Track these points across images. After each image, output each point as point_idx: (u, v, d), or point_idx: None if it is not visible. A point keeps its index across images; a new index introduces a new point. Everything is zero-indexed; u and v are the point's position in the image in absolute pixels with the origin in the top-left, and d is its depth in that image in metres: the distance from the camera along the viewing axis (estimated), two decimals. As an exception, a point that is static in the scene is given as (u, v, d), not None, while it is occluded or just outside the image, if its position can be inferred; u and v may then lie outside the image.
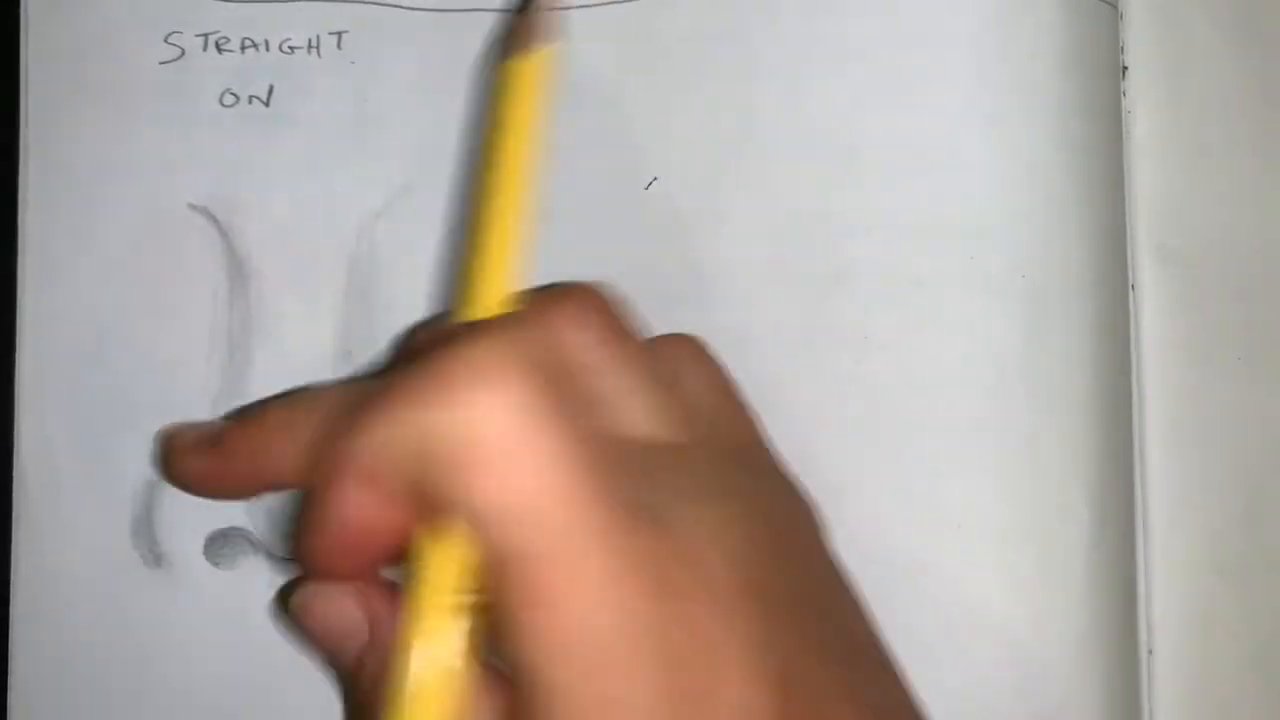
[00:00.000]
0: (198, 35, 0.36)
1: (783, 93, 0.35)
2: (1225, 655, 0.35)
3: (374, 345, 0.35)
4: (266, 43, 0.36)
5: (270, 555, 0.35)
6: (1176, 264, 0.36)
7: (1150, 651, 0.34)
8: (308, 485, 0.26)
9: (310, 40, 0.35)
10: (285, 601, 0.31)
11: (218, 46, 0.36)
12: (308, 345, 0.35)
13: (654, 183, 0.35)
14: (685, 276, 0.35)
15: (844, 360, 0.34)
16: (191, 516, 0.34)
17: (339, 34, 0.35)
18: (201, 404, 0.35)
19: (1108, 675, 0.34)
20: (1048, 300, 0.34)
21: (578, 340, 0.26)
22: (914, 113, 0.34)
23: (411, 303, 0.35)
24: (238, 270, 0.35)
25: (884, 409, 0.34)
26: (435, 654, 0.24)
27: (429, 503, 0.24)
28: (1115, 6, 0.36)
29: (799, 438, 0.33)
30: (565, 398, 0.24)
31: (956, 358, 0.34)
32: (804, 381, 0.34)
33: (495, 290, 0.28)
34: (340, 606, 0.27)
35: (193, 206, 0.35)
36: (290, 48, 0.35)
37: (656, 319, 0.34)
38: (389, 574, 0.28)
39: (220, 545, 0.35)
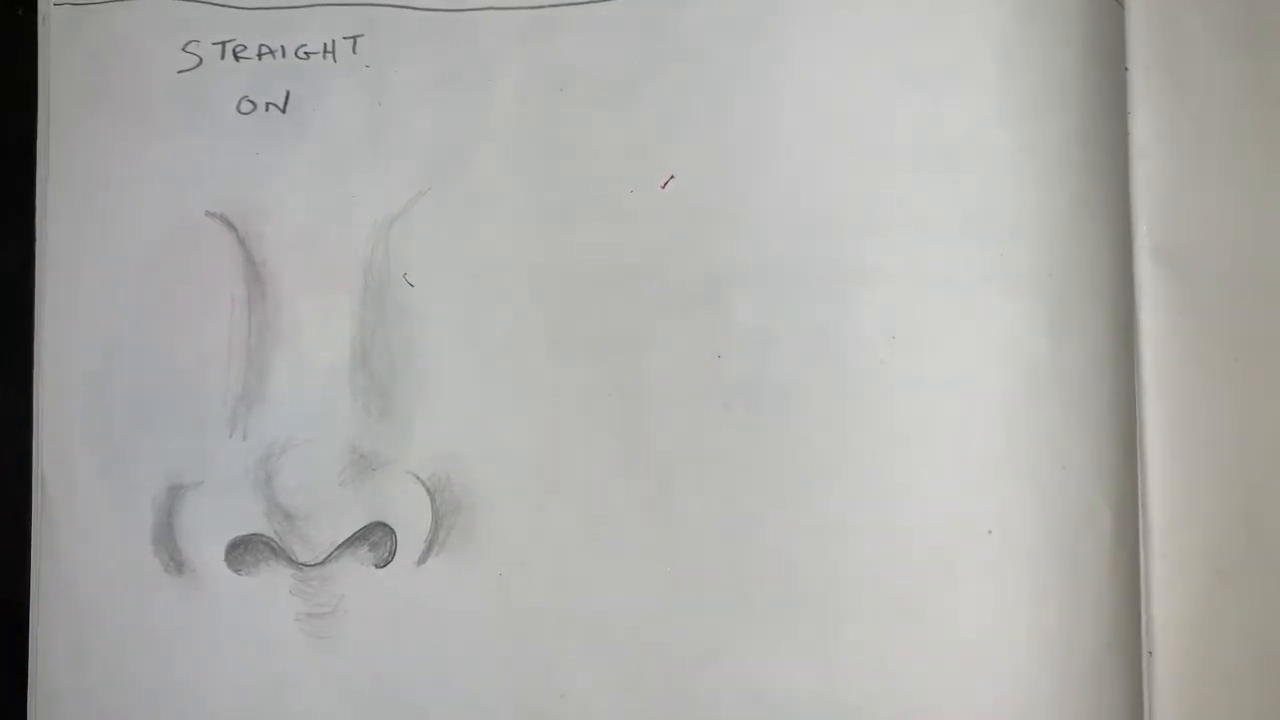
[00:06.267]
0: (215, 43, 0.35)
1: (804, 88, 0.34)
2: (1225, 655, 0.34)
3: (390, 349, 0.34)
4: (283, 49, 0.35)
5: (291, 561, 0.33)
6: (1176, 264, 0.34)
7: (1150, 652, 0.33)
8: None
9: (325, 45, 0.35)
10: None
11: (235, 54, 0.35)
12: (325, 350, 0.34)
13: (671, 181, 0.34)
14: (705, 276, 0.33)
15: (869, 360, 0.33)
16: (212, 523, 0.34)
17: (354, 38, 0.35)
18: (220, 410, 0.34)
19: (1114, 676, 0.33)
20: (1071, 300, 0.33)
21: None
22: (938, 107, 0.33)
23: (427, 306, 0.34)
24: (255, 276, 0.34)
25: (912, 410, 0.33)
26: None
27: None
28: (1123, 5, 0.34)
29: (823, 439, 0.33)
30: None
31: (986, 359, 0.33)
32: (828, 382, 0.33)
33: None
34: None
35: (210, 214, 0.34)
36: (306, 53, 0.35)
37: (677, 320, 0.33)
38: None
39: (241, 552, 0.34)
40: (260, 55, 0.35)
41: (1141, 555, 0.34)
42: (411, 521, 0.33)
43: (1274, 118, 0.35)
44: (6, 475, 0.34)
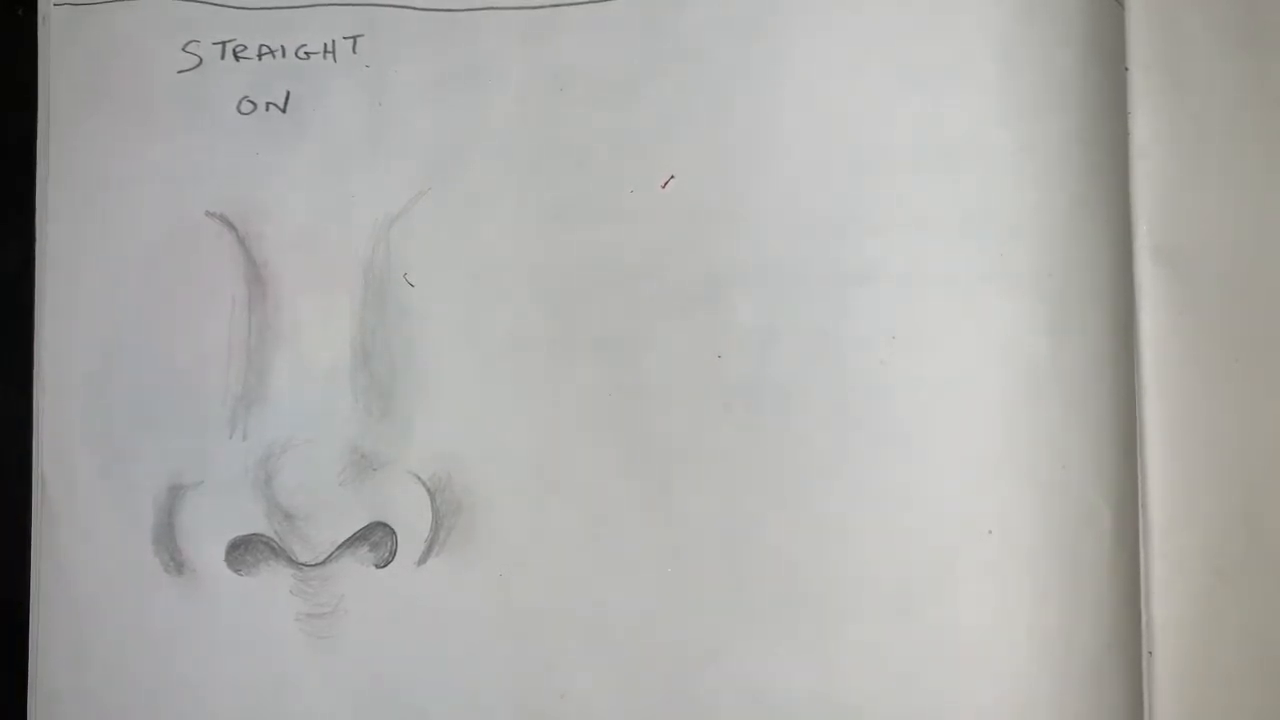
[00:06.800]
0: (215, 43, 0.35)
1: (804, 88, 0.34)
2: (1225, 655, 0.33)
3: (390, 349, 0.34)
4: (283, 49, 0.35)
5: (291, 561, 0.33)
6: (1176, 264, 0.34)
7: (1150, 652, 0.33)
8: None
9: (326, 45, 0.34)
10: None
11: (235, 54, 0.35)
12: (325, 350, 0.34)
13: (671, 181, 0.34)
14: (705, 276, 0.33)
15: (869, 360, 0.33)
16: (213, 524, 0.34)
17: (354, 38, 0.34)
18: (221, 410, 0.34)
19: (1114, 677, 0.33)
20: (1071, 301, 0.33)
21: None
22: (938, 107, 0.33)
23: (427, 306, 0.34)
24: (255, 276, 0.34)
25: (912, 410, 0.33)
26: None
27: None
28: (1123, 5, 0.34)
29: (824, 439, 0.33)
30: None
31: (986, 358, 0.33)
32: (829, 382, 0.33)
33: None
34: None
35: (210, 214, 0.34)
36: (306, 53, 0.35)
37: (677, 320, 0.33)
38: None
39: (242, 552, 0.33)
40: (260, 55, 0.34)
41: (1141, 555, 0.33)
42: (412, 521, 0.33)
43: (1274, 118, 0.35)
44: (6, 475, 0.34)
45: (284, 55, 0.34)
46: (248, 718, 0.33)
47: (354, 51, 0.34)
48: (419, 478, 0.33)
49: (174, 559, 0.33)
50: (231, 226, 0.34)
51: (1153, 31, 0.35)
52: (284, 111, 0.34)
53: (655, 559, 0.33)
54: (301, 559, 0.33)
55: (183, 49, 0.35)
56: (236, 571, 0.33)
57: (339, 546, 0.33)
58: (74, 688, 0.33)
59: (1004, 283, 0.33)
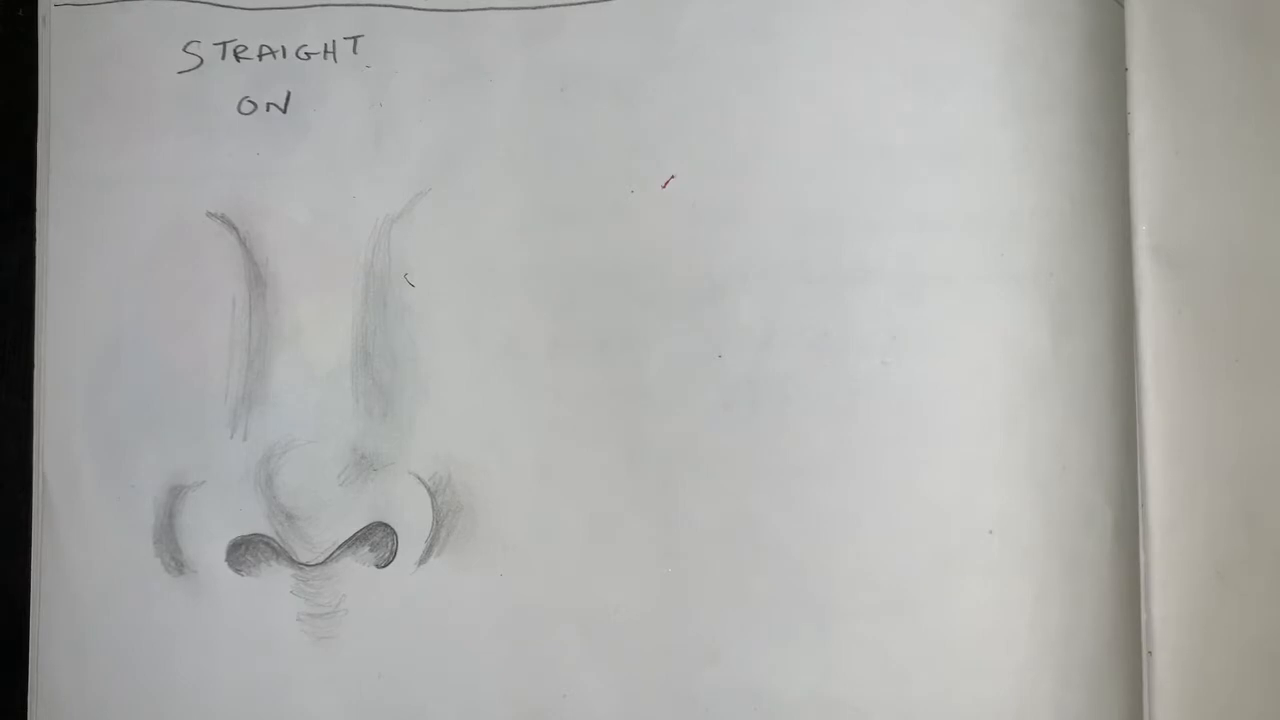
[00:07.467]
0: (215, 44, 0.35)
1: (805, 88, 0.34)
2: (1224, 655, 0.34)
3: (391, 349, 0.34)
4: (284, 49, 0.35)
5: (292, 561, 0.33)
6: (1176, 264, 0.34)
7: (1150, 652, 0.33)
8: None
9: (326, 45, 0.34)
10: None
11: (235, 54, 0.35)
12: (326, 351, 0.34)
13: (671, 181, 0.34)
14: (705, 276, 0.33)
15: (870, 360, 0.33)
16: (213, 524, 0.34)
17: (354, 38, 0.34)
18: (222, 411, 0.34)
19: (1114, 677, 0.33)
20: (1071, 300, 0.33)
21: None
22: (939, 107, 0.33)
23: (428, 306, 0.34)
24: (256, 277, 0.34)
25: (912, 410, 0.33)
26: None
27: None
28: (1123, 5, 0.34)
29: (824, 439, 0.33)
30: None
31: (987, 358, 0.33)
32: (829, 381, 0.33)
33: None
34: None
35: (211, 215, 0.34)
36: (306, 53, 0.34)
37: (677, 320, 0.33)
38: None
39: (243, 552, 0.33)
40: (261, 55, 0.34)
41: (1141, 555, 0.33)
42: (412, 522, 0.33)
43: (1274, 117, 0.35)
44: (7, 475, 0.34)
45: (284, 55, 0.34)
46: (248, 717, 0.33)
47: (354, 52, 0.34)
48: (419, 478, 0.33)
49: (175, 559, 0.33)
50: (232, 227, 0.34)
51: (1153, 31, 0.35)
52: (284, 112, 0.34)
53: (655, 559, 0.33)
54: (302, 559, 0.33)
55: (183, 49, 0.35)
56: (237, 571, 0.33)
57: (340, 546, 0.33)
58: (74, 687, 0.33)
59: (1004, 283, 0.33)
